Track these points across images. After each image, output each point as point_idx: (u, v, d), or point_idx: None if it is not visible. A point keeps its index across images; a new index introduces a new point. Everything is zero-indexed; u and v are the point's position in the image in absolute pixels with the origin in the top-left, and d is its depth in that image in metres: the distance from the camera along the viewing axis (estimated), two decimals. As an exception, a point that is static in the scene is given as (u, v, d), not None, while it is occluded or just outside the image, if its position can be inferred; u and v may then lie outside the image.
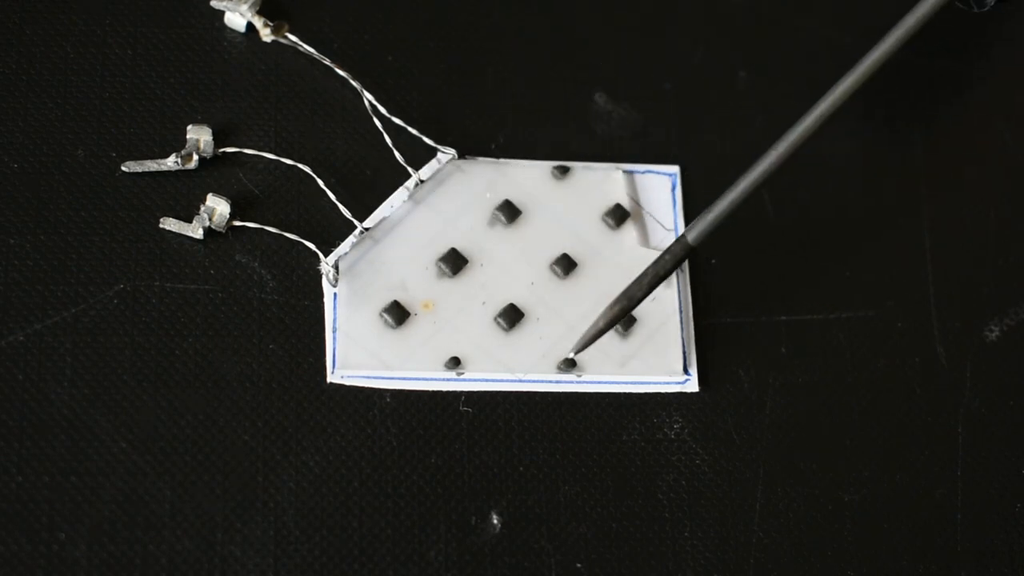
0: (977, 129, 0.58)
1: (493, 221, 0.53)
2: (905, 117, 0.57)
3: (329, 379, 0.50)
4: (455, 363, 0.51)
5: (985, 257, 0.56)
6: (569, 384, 0.51)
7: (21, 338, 0.49)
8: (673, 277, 0.53)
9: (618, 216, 0.53)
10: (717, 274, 0.54)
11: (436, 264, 0.52)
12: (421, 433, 0.50)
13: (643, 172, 0.55)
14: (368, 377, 0.50)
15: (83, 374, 0.49)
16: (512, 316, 0.52)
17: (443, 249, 0.52)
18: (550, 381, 0.51)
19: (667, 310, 0.53)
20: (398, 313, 0.51)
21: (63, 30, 0.54)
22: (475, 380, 0.51)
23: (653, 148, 0.55)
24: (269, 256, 0.51)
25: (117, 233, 0.51)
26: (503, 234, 0.53)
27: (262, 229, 0.51)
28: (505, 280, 0.52)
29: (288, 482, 0.49)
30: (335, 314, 0.51)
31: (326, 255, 0.51)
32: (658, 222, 0.54)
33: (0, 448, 0.47)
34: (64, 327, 0.49)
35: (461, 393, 0.51)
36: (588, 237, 0.53)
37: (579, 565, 0.49)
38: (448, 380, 0.51)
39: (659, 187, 0.55)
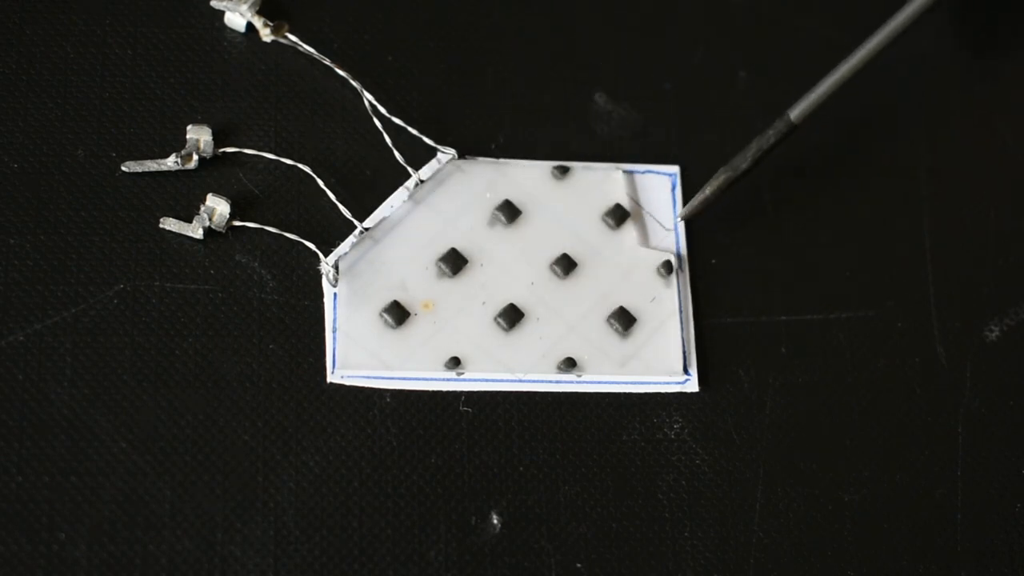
0: (977, 129, 0.58)
1: (493, 221, 0.53)
2: (905, 117, 0.57)
3: (329, 379, 0.50)
4: (455, 363, 0.51)
5: (985, 257, 0.56)
6: (569, 384, 0.51)
7: (21, 338, 0.49)
8: (672, 277, 0.53)
9: (618, 216, 0.53)
10: (717, 274, 0.54)
11: (436, 264, 0.52)
12: (421, 433, 0.50)
13: (643, 172, 0.55)
14: (368, 377, 0.50)
15: (83, 374, 0.49)
16: (512, 316, 0.52)
17: (443, 249, 0.52)
18: (550, 381, 0.51)
19: (667, 310, 0.53)
20: (398, 313, 0.51)
21: (63, 30, 0.54)
22: (475, 380, 0.51)
23: (653, 148, 0.55)
24: (269, 256, 0.51)
25: (117, 233, 0.51)
26: (503, 234, 0.53)
27: (262, 229, 0.51)
28: (505, 280, 0.52)
29: (288, 482, 0.49)
30: (335, 314, 0.51)
31: (326, 255, 0.51)
32: (658, 222, 0.54)
33: (0, 448, 0.47)
34: (64, 327, 0.49)
35: (461, 393, 0.51)
36: (588, 237, 0.53)
37: (579, 565, 0.49)
38: (448, 380, 0.51)
39: (659, 187, 0.55)
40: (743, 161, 0.52)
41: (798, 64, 0.57)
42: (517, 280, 0.52)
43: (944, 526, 0.51)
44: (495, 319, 0.52)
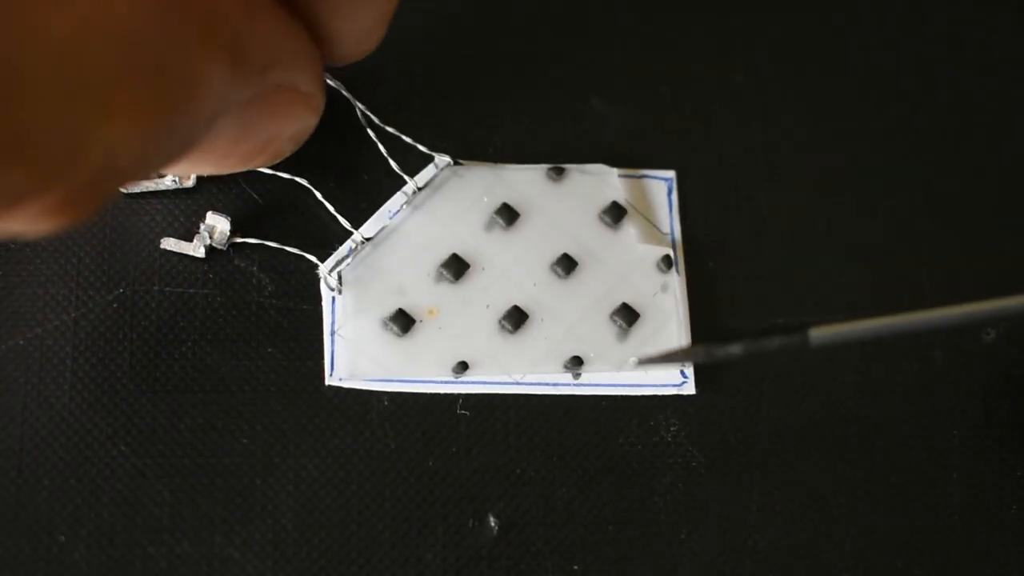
0: (978, 128, 0.57)
1: (491, 225, 0.53)
2: (905, 117, 0.57)
3: (327, 383, 0.50)
4: (462, 368, 0.51)
5: (985, 257, 0.55)
6: (566, 387, 0.51)
7: (21, 342, 0.49)
8: (672, 278, 0.53)
9: (615, 214, 0.54)
10: (716, 275, 0.54)
11: (437, 269, 0.52)
12: (419, 436, 0.50)
13: (640, 176, 0.55)
14: (366, 380, 0.50)
15: (83, 377, 0.49)
16: (516, 318, 0.52)
17: (443, 253, 0.52)
18: (547, 384, 0.51)
19: (665, 311, 0.53)
20: (398, 319, 0.51)
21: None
22: (473, 383, 0.51)
23: (650, 151, 0.55)
24: (268, 261, 0.51)
25: (117, 238, 0.51)
26: (502, 237, 0.53)
27: (262, 244, 0.51)
28: (506, 282, 0.53)
29: (287, 485, 0.49)
30: (333, 318, 0.51)
31: (324, 259, 0.51)
32: (655, 226, 0.54)
33: (0, 452, 0.48)
34: (64, 331, 0.50)
35: (459, 396, 0.51)
36: (587, 236, 0.53)
37: (576, 567, 0.49)
38: (446, 383, 0.51)
39: (656, 191, 0.55)
40: (733, 351, 0.47)
41: (797, 67, 0.57)
42: (518, 282, 0.53)
43: (940, 528, 0.51)
44: (499, 322, 0.52)
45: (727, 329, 0.53)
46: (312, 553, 0.48)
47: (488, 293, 0.52)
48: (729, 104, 0.56)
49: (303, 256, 0.51)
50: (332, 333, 0.51)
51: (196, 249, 0.51)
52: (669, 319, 0.53)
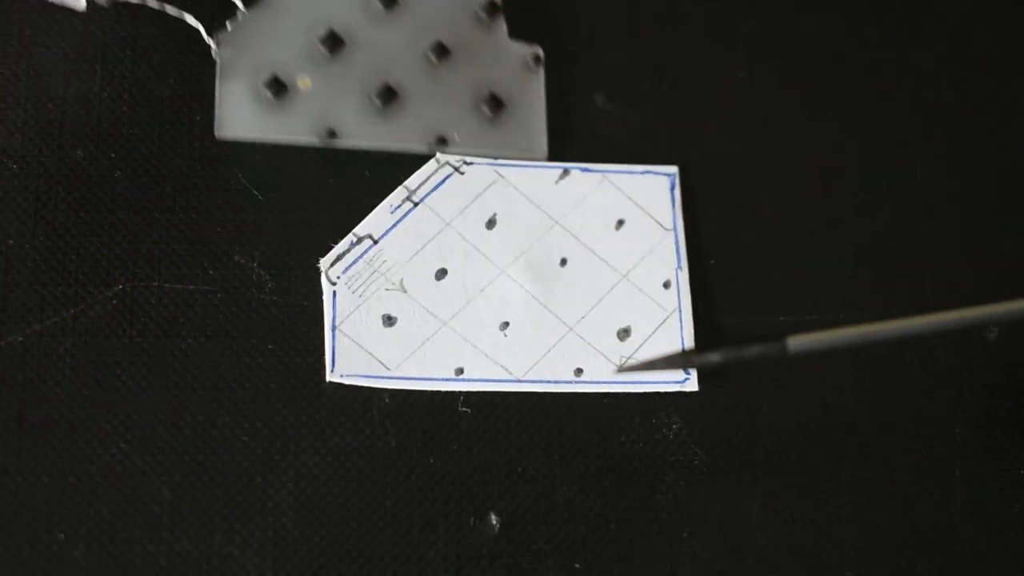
0: (978, 128, 0.57)
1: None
2: (905, 116, 0.57)
3: (328, 379, 0.50)
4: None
5: (985, 257, 0.56)
6: (568, 384, 0.51)
7: (20, 339, 0.49)
8: (672, 276, 0.53)
9: (490, 10, 0.54)
10: (717, 274, 0.54)
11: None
12: (420, 434, 0.50)
13: (642, 172, 0.55)
14: (367, 376, 0.50)
15: (82, 375, 0.49)
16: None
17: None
18: (549, 382, 0.51)
19: (667, 309, 0.53)
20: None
21: (63, 30, 0.54)
22: (474, 380, 0.51)
23: (652, 148, 0.55)
24: (268, 257, 0.51)
25: (116, 234, 0.51)
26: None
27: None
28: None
29: (287, 483, 0.49)
30: (334, 314, 0.51)
31: (325, 255, 0.51)
32: (657, 222, 0.54)
33: (-1, 449, 0.48)
34: (63, 328, 0.49)
35: (460, 393, 0.51)
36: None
37: (577, 565, 0.49)
38: (447, 380, 0.51)
39: (658, 187, 0.54)
40: (712, 359, 0.47)
41: (798, 64, 0.57)
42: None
43: (943, 526, 0.51)
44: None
45: (729, 325, 0.53)
46: (313, 551, 0.48)
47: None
48: (732, 101, 0.56)
49: (304, 254, 0.51)
50: (333, 328, 0.51)
51: (76, 1, 0.50)
52: (667, 323, 0.53)
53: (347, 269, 0.51)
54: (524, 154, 0.53)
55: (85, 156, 0.52)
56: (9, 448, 0.48)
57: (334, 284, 0.51)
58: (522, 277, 0.52)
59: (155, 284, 0.50)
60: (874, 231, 0.56)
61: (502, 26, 0.54)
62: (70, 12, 0.54)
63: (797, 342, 0.46)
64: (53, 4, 0.54)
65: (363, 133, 0.52)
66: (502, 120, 0.53)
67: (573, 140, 0.55)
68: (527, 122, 0.54)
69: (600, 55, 0.56)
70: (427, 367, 0.51)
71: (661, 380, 0.52)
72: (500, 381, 0.51)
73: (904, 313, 0.53)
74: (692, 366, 0.49)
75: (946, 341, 0.54)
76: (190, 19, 0.50)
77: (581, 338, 0.52)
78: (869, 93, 0.57)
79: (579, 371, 0.51)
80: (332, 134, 0.52)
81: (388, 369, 0.50)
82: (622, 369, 0.49)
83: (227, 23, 0.53)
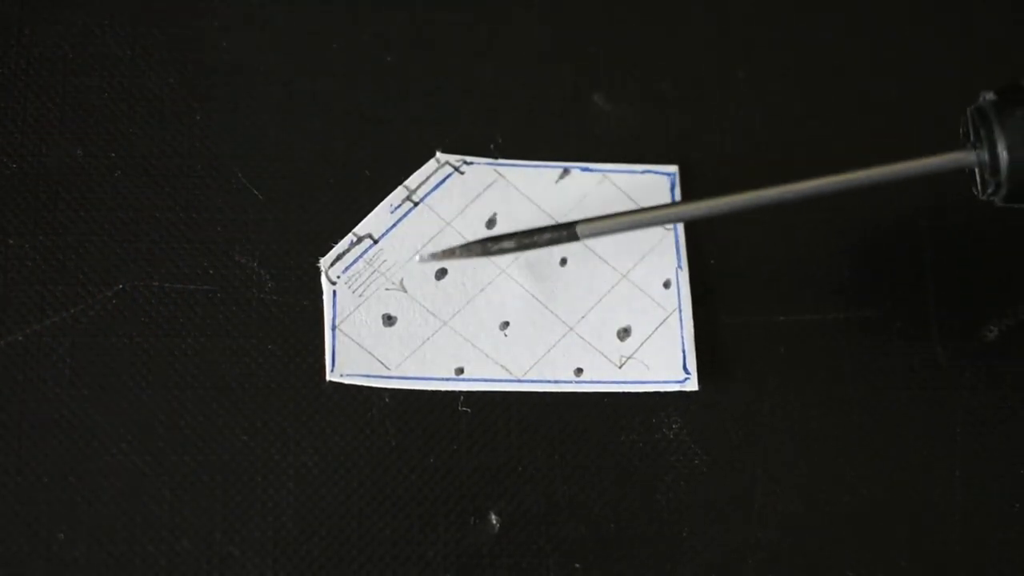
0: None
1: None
2: (905, 117, 0.57)
3: (328, 379, 0.50)
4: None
5: (985, 257, 0.55)
6: (568, 384, 0.51)
7: (20, 338, 0.49)
8: (672, 276, 0.53)
9: None
10: (716, 274, 0.54)
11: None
12: (420, 433, 0.50)
13: (642, 172, 0.55)
14: (367, 376, 0.50)
15: (82, 374, 0.49)
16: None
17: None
18: (549, 381, 0.51)
19: (667, 309, 0.53)
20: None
21: (63, 30, 0.54)
22: (474, 380, 0.51)
23: (652, 148, 0.55)
24: (268, 256, 0.51)
25: (116, 233, 0.51)
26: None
27: None
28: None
29: (287, 482, 0.49)
30: (334, 313, 0.51)
31: (324, 255, 0.51)
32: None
33: (-1, 448, 0.48)
34: (63, 327, 0.49)
35: (460, 393, 0.51)
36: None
37: (577, 565, 0.49)
38: (447, 380, 0.51)
39: (658, 187, 0.54)
40: (506, 245, 0.48)
41: (798, 64, 0.57)
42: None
43: (943, 526, 0.51)
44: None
45: (729, 325, 0.53)
46: (313, 551, 0.48)
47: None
48: (731, 100, 0.56)
49: (303, 253, 0.51)
50: (333, 328, 0.51)
51: None
52: (667, 323, 0.53)
53: (347, 269, 0.51)
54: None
55: (85, 156, 0.52)
56: (9, 448, 0.48)
57: (334, 284, 0.51)
58: (522, 277, 0.52)
59: (155, 284, 0.50)
60: (874, 231, 0.55)
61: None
62: (70, 12, 0.54)
63: (585, 228, 0.48)
64: (54, 6, 0.54)
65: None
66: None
67: (573, 140, 0.55)
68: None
69: (599, 54, 0.56)
70: (427, 367, 0.51)
71: (661, 380, 0.52)
72: (500, 381, 0.51)
73: (906, 313, 0.54)
74: (488, 253, 0.49)
75: (946, 341, 0.54)
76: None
77: (581, 338, 0.52)
78: (869, 93, 0.57)
79: (579, 371, 0.51)
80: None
81: (388, 369, 0.50)
82: (428, 257, 0.50)
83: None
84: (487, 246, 0.49)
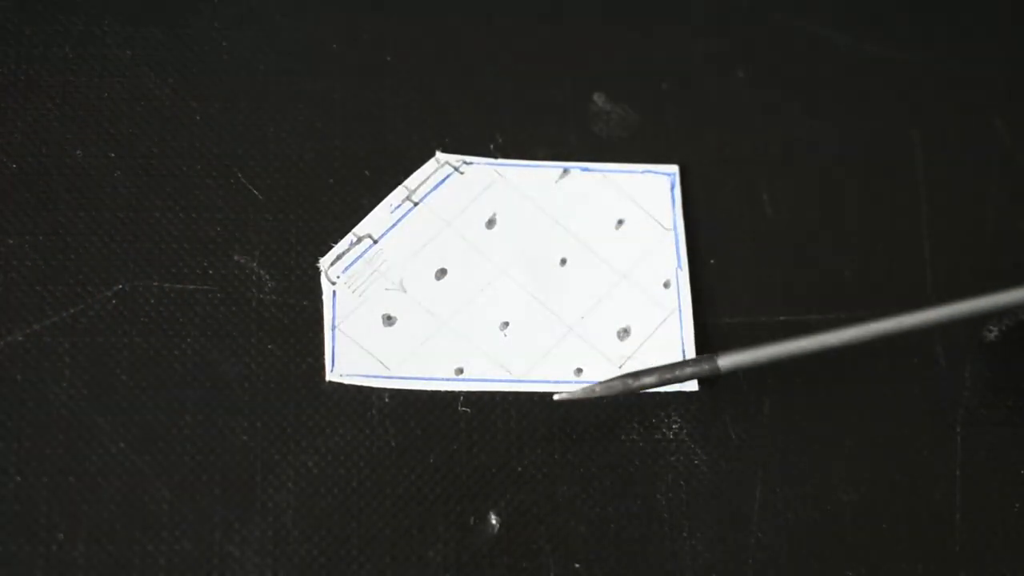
0: (977, 129, 0.57)
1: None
2: (905, 117, 0.57)
3: (328, 378, 0.50)
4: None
5: (985, 257, 0.55)
6: (568, 384, 0.51)
7: (20, 338, 0.49)
8: (672, 276, 0.53)
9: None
10: (716, 274, 0.54)
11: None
12: (419, 433, 0.50)
13: (642, 172, 0.55)
14: (367, 376, 0.50)
15: (82, 374, 0.49)
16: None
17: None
18: (549, 381, 0.51)
19: (667, 310, 0.53)
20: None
21: (63, 30, 0.54)
22: (474, 380, 0.51)
23: (652, 148, 0.55)
24: (267, 256, 0.51)
25: (116, 233, 0.51)
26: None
27: None
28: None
29: (287, 482, 0.49)
30: (334, 313, 0.51)
31: (325, 255, 0.51)
32: (657, 222, 0.54)
33: (-1, 448, 0.48)
34: (63, 327, 0.49)
35: (460, 393, 0.51)
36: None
37: (577, 565, 0.49)
38: (447, 380, 0.51)
39: (658, 187, 0.54)
40: (647, 380, 0.49)
41: (797, 64, 0.57)
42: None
43: (943, 526, 0.51)
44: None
45: (729, 325, 0.53)
46: (312, 551, 0.48)
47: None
48: (732, 101, 0.56)
49: (303, 253, 0.51)
50: (333, 328, 0.51)
51: None
52: (666, 323, 0.53)
53: (347, 269, 0.51)
54: None
55: (85, 156, 0.52)
56: (9, 448, 0.48)
57: (334, 284, 0.51)
58: (522, 277, 0.52)
59: (155, 284, 0.50)
60: (874, 231, 0.56)
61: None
62: (70, 12, 0.54)
63: (727, 361, 0.49)
64: (54, 6, 0.54)
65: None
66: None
67: (573, 140, 0.55)
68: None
69: (599, 54, 0.56)
70: (427, 367, 0.51)
71: (661, 380, 0.52)
72: (500, 381, 0.51)
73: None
74: (629, 390, 0.49)
75: (946, 341, 0.54)
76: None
77: (581, 338, 0.52)
78: (869, 93, 0.57)
79: (579, 371, 0.51)
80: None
81: (388, 369, 0.50)
82: (558, 398, 0.49)
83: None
84: (628, 383, 0.49)
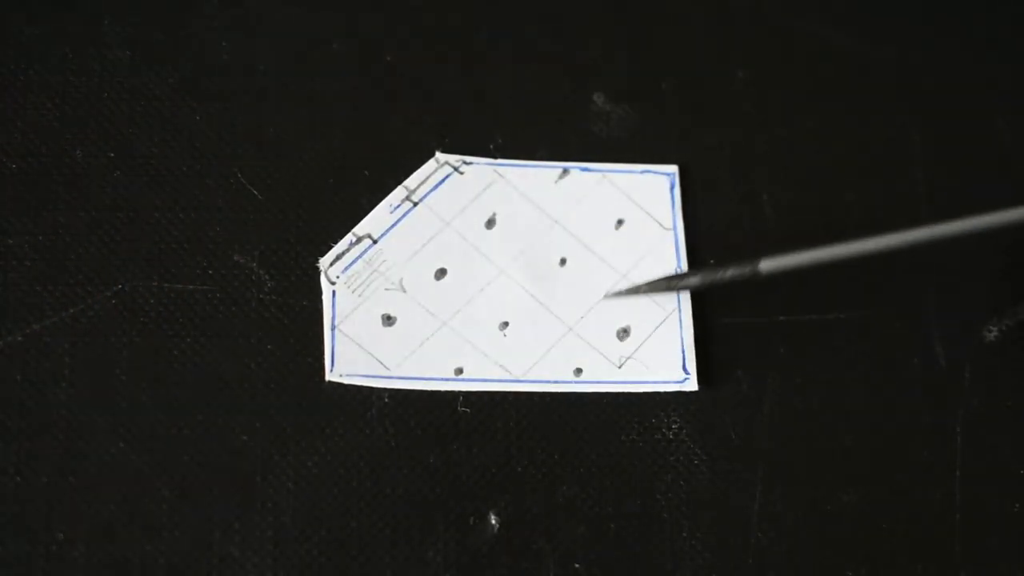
0: (977, 129, 0.57)
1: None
2: (905, 117, 0.57)
3: (328, 378, 0.50)
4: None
5: (985, 257, 0.55)
6: (568, 384, 0.51)
7: (19, 338, 0.49)
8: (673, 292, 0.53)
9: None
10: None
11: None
12: (419, 433, 0.50)
13: (642, 172, 0.55)
14: (366, 376, 0.50)
15: (81, 374, 0.49)
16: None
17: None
18: (549, 381, 0.51)
19: (666, 310, 0.53)
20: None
21: (63, 30, 0.54)
22: (474, 380, 0.51)
23: (651, 148, 0.55)
24: (267, 256, 0.51)
25: (116, 233, 0.51)
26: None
27: None
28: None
29: (286, 482, 0.49)
30: (333, 313, 0.51)
31: (324, 255, 0.51)
32: (656, 221, 0.54)
33: (-2, 449, 0.48)
34: (62, 327, 0.49)
35: (459, 393, 0.51)
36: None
37: (577, 565, 0.49)
38: (447, 380, 0.51)
39: (658, 187, 0.54)
40: (691, 281, 0.51)
41: (797, 64, 0.57)
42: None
43: (943, 526, 0.51)
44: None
45: (728, 325, 0.53)
46: (312, 551, 0.48)
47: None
48: (732, 101, 0.56)
49: (303, 253, 0.51)
50: (333, 328, 0.51)
51: None
52: (666, 323, 0.53)
53: (347, 269, 0.51)
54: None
55: (85, 156, 0.52)
56: (8, 448, 0.48)
57: (333, 284, 0.51)
58: (522, 277, 0.52)
59: (155, 284, 0.50)
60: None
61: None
62: (70, 12, 0.54)
63: (769, 264, 0.50)
64: (54, 6, 0.54)
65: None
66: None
67: (573, 140, 0.55)
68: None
69: (599, 54, 0.56)
70: (427, 367, 0.51)
71: (661, 380, 0.52)
72: (500, 381, 0.51)
73: (906, 313, 0.54)
74: (674, 289, 0.52)
75: (946, 341, 0.54)
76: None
77: (581, 338, 0.52)
78: (869, 93, 0.57)
79: (579, 371, 0.51)
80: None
81: (388, 369, 0.50)
82: (608, 296, 0.52)
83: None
84: (672, 284, 0.52)
